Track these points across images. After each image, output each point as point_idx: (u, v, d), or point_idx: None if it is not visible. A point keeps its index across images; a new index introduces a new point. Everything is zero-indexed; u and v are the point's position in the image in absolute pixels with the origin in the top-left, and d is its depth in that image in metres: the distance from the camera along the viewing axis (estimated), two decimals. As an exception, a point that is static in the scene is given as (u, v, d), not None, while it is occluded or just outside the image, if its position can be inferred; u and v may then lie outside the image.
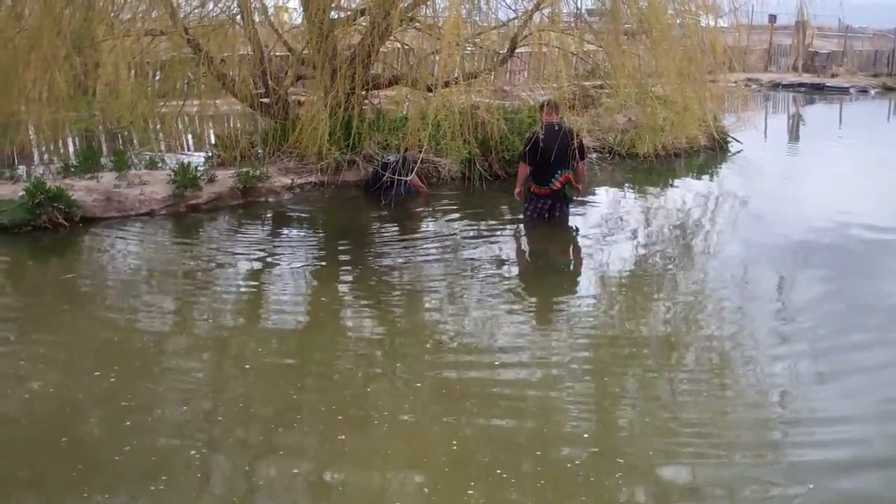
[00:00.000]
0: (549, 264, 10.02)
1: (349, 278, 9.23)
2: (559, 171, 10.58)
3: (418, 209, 12.28)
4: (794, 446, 5.57)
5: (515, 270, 9.75)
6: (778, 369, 6.81)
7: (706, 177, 15.67)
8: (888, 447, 5.53)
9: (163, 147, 15.43)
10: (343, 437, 5.57)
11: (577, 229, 10.98)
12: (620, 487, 5.06)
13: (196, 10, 13.00)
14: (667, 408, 6.09)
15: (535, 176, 10.72)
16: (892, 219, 11.67)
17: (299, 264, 9.66)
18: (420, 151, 11.68)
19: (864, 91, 30.70)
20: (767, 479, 5.16)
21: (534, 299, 8.57)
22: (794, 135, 22.15)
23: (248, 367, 6.77)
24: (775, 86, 31.64)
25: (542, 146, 10.31)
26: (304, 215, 11.93)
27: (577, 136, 10.67)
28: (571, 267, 9.68)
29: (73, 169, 12.31)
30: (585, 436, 5.69)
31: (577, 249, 10.40)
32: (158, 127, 15.11)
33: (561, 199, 10.85)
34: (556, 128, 10.43)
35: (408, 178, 11.84)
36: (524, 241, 10.88)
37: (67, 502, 4.90)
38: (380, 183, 12.35)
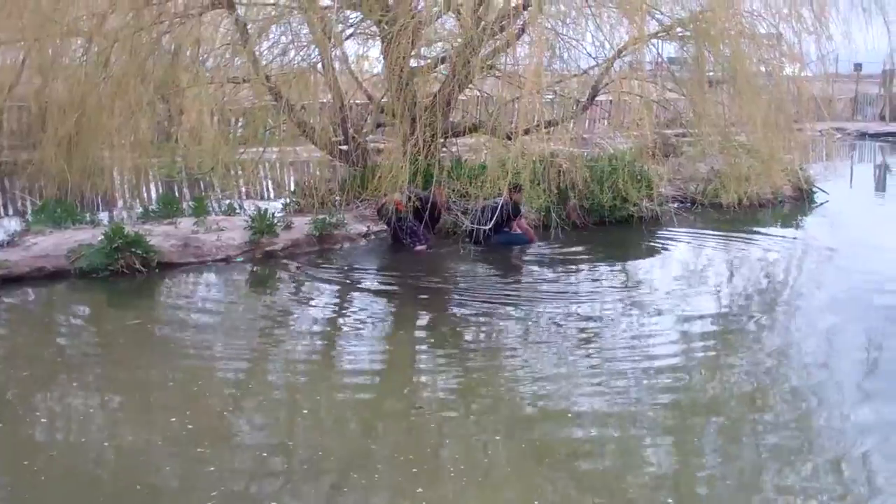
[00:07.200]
0: (629, 317, 9.70)
1: (423, 323, 9.10)
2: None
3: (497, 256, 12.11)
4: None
5: (594, 325, 9.42)
6: (866, 440, 6.35)
7: (791, 227, 15.25)
8: None
9: (242, 193, 15.54)
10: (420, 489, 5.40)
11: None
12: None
13: (278, 59, 13.15)
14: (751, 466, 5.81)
15: None
16: None
17: (372, 311, 9.62)
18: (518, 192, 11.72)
19: (956, 138, 29.81)
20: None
21: (612, 353, 8.28)
22: (880, 184, 21.54)
23: (322, 413, 6.69)
24: (862, 135, 30.88)
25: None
26: (377, 262, 11.89)
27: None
28: (653, 322, 9.35)
29: (152, 214, 12.43)
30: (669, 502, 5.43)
31: (659, 304, 10.07)
32: (239, 173, 15.23)
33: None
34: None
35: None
36: (604, 291, 10.65)
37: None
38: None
